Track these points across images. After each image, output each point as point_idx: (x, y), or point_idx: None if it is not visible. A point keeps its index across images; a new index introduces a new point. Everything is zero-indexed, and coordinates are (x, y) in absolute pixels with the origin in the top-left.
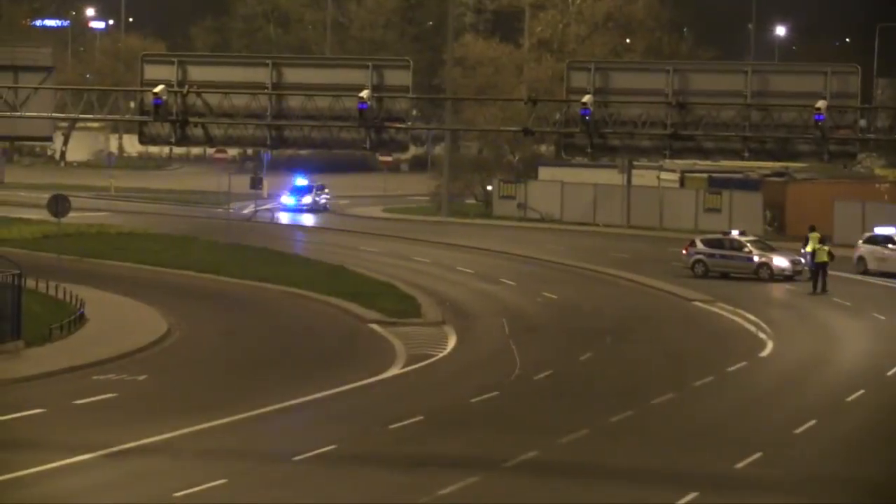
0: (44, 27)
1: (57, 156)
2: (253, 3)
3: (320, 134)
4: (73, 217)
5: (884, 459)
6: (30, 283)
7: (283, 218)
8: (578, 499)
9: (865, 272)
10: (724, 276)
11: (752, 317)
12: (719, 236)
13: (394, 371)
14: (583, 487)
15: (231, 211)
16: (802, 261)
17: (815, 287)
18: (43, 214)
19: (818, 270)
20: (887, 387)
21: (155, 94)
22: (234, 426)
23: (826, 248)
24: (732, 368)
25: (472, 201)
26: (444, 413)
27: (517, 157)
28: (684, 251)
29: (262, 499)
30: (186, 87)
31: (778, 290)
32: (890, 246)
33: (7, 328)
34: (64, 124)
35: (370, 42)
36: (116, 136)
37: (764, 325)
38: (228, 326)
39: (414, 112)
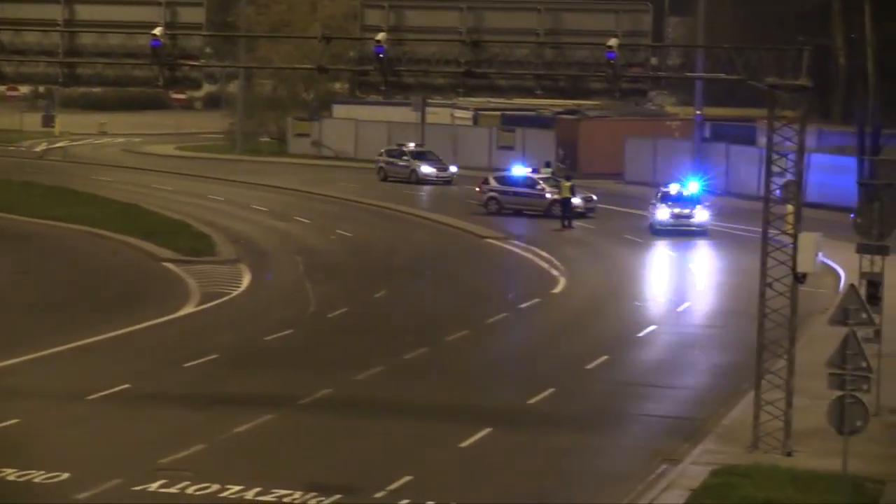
0: None
1: None
2: None
3: (113, 71)
4: None
5: (671, 394)
6: None
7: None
8: (373, 435)
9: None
10: (518, 213)
11: (544, 253)
12: (511, 173)
13: (188, 309)
14: (377, 424)
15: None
16: (594, 197)
17: (562, 223)
18: None
19: (563, 207)
20: (678, 323)
21: None
22: (27, 366)
23: (568, 184)
24: (525, 305)
25: (266, 139)
26: (239, 351)
27: (312, 95)
28: (478, 189)
29: (55, 438)
30: None
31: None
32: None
33: None
34: None
35: None
36: None
37: (556, 262)
38: (21, 265)
39: (207, 50)
